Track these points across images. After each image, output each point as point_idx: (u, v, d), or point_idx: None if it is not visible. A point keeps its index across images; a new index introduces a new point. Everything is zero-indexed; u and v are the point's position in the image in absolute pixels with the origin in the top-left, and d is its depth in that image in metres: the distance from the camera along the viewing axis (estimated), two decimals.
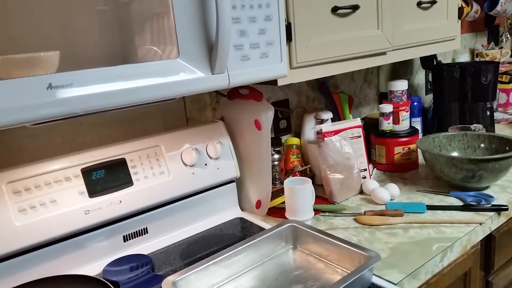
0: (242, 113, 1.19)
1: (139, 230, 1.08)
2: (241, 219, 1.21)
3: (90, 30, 0.69)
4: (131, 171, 1.05)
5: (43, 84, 0.66)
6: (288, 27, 1.02)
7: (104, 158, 1.02)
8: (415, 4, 1.35)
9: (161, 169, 1.09)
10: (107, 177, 1.01)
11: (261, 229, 1.14)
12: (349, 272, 0.89)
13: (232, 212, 1.25)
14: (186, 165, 1.12)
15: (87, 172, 0.99)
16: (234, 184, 1.24)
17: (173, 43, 0.78)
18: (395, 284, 0.88)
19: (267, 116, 1.11)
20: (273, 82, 1.05)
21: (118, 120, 1.15)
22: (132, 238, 1.07)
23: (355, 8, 1.14)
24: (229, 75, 0.86)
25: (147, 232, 1.09)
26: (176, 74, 0.79)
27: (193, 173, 1.13)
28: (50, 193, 0.94)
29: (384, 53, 1.29)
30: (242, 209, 1.27)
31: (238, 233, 1.13)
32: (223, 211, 1.23)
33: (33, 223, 0.91)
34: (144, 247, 1.09)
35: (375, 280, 0.89)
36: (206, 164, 1.16)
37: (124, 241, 1.06)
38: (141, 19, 0.74)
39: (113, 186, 1.02)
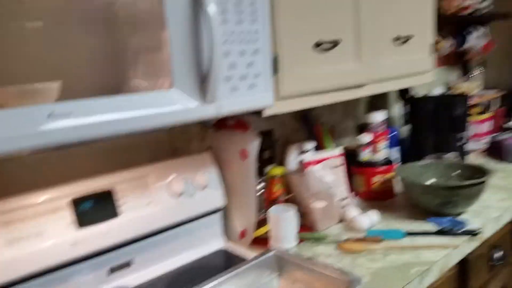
0: (229, 143, 1.23)
1: (124, 262, 1.07)
2: (227, 249, 1.22)
3: (86, 62, 0.73)
4: (119, 201, 1.05)
5: (44, 113, 0.69)
6: (275, 61, 1.08)
7: (91, 189, 1.02)
8: (391, 39, 1.43)
9: (149, 200, 1.10)
10: (95, 208, 1.01)
11: (246, 258, 1.15)
12: None
13: (217, 242, 1.25)
14: (173, 195, 1.13)
15: (75, 203, 0.99)
16: (220, 213, 1.26)
17: (167, 74, 0.83)
18: None
19: (253, 145, 1.15)
20: (258, 113, 1.09)
21: (106, 150, 1.17)
22: (118, 271, 1.06)
23: (336, 43, 1.22)
24: (220, 105, 0.91)
25: (132, 264, 1.08)
26: (171, 104, 0.83)
27: (180, 203, 1.14)
28: (38, 224, 0.94)
29: (363, 86, 1.36)
30: (227, 239, 1.29)
31: (223, 264, 1.14)
32: (209, 241, 1.24)
33: (20, 256, 0.90)
34: (129, 279, 1.08)
35: None
36: (193, 194, 1.17)
37: (110, 274, 1.05)
38: (137, 51, 0.78)
39: (100, 217, 1.02)
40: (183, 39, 0.84)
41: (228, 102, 0.93)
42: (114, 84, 0.77)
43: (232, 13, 0.92)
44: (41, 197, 0.97)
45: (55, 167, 1.09)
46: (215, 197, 1.22)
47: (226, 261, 1.16)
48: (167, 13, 0.82)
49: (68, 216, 0.98)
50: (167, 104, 0.83)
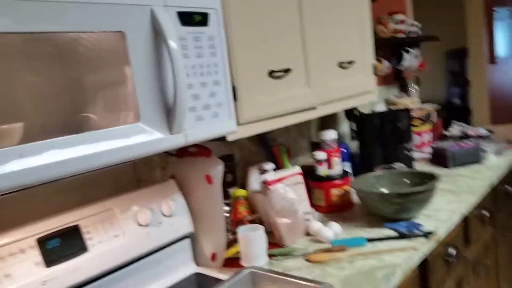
0: (193, 170, 1.26)
1: None
2: (198, 274, 1.24)
3: (49, 100, 0.75)
4: (86, 236, 1.04)
5: (11, 154, 0.70)
6: (234, 90, 1.14)
7: (58, 226, 1.02)
8: (336, 64, 1.55)
9: (116, 232, 1.09)
10: (63, 245, 1.00)
11: (219, 281, 1.17)
12: None
13: (188, 268, 1.26)
14: (140, 225, 1.14)
15: (42, 242, 0.98)
16: (188, 240, 1.27)
17: (133, 109, 0.86)
18: None
19: (218, 170, 1.19)
20: (220, 138, 1.14)
21: (70, 187, 1.17)
22: None
23: (287, 71, 1.30)
24: (186, 135, 0.95)
25: None
26: (138, 137, 0.86)
27: (148, 233, 1.15)
28: (6, 266, 0.92)
29: (314, 108, 1.45)
30: (197, 264, 1.30)
31: (199, 287, 1.16)
32: (180, 268, 1.24)
33: None
34: None
35: None
36: (160, 223, 1.18)
37: None
38: (101, 87, 0.82)
39: (69, 253, 1.00)
40: (147, 74, 0.88)
41: (194, 131, 0.98)
42: (79, 121, 0.79)
43: (192, 48, 0.97)
44: (6, 239, 0.95)
45: (18, 207, 1.08)
46: (182, 224, 1.23)
47: (202, 285, 1.17)
48: (129, 49, 0.86)
49: (36, 255, 0.96)
50: (135, 137, 0.86)
